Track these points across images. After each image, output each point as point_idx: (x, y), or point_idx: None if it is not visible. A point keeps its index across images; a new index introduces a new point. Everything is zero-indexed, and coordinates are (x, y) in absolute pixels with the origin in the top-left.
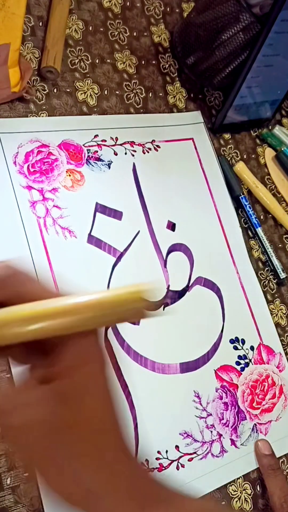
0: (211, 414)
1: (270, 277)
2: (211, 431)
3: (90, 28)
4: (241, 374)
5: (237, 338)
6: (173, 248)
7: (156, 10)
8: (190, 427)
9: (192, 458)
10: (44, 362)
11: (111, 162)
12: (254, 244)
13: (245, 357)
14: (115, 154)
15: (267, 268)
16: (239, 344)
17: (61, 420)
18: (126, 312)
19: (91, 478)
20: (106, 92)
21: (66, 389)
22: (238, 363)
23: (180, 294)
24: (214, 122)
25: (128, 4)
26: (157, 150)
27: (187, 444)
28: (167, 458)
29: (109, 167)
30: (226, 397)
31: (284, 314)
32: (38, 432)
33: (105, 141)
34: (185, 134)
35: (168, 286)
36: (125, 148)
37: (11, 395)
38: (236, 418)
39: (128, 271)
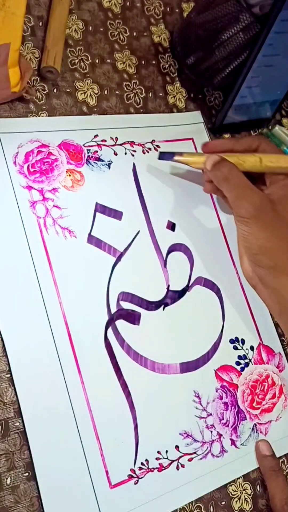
0: (211, 414)
1: None
2: (211, 431)
3: (90, 28)
4: (241, 374)
5: (237, 338)
6: (173, 248)
7: (156, 10)
8: (190, 427)
9: (192, 458)
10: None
11: (111, 162)
12: None
13: (245, 357)
14: (115, 154)
15: None
16: (239, 344)
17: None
18: None
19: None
20: (106, 92)
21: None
22: (238, 363)
23: (180, 294)
24: (214, 122)
25: (128, 4)
26: (157, 150)
27: (187, 444)
28: (167, 458)
29: (109, 167)
30: (226, 397)
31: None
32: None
33: (105, 141)
34: (185, 134)
35: (168, 286)
36: (125, 148)
37: (240, 186)
38: (236, 418)
39: (128, 271)
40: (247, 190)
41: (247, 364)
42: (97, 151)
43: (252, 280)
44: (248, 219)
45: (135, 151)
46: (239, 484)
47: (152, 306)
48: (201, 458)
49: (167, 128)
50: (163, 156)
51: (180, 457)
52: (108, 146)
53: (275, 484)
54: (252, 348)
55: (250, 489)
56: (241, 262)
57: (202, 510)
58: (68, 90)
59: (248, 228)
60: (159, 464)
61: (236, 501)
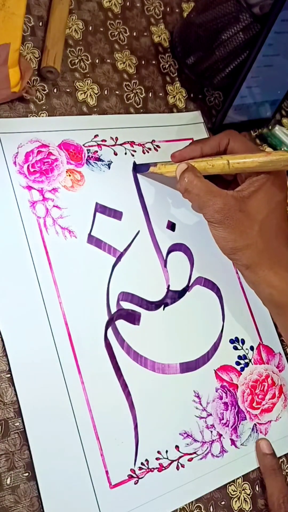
0: (211, 414)
1: None
2: (211, 431)
3: (90, 28)
4: (241, 374)
5: (237, 338)
6: (173, 248)
7: (156, 10)
8: (190, 427)
9: (192, 458)
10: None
11: (111, 162)
12: None
13: (245, 357)
14: (115, 154)
15: None
16: (239, 344)
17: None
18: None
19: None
20: (106, 92)
21: (248, 198)
22: (238, 363)
23: (180, 294)
24: (214, 122)
25: (128, 4)
26: (157, 150)
27: (187, 444)
28: (167, 458)
29: (109, 167)
30: (226, 397)
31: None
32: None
33: (105, 141)
34: (185, 134)
35: (168, 286)
36: (125, 148)
37: (202, 195)
38: (236, 418)
39: (128, 271)
40: (208, 196)
41: (247, 364)
42: (97, 151)
43: None
44: (214, 224)
45: (135, 151)
46: (239, 484)
47: (152, 306)
48: (201, 458)
49: (167, 128)
50: (139, 169)
51: (180, 457)
52: (108, 146)
53: (274, 483)
54: (252, 348)
55: (249, 489)
56: None
57: (202, 510)
58: (68, 90)
59: (217, 232)
60: (159, 464)
61: (236, 501)
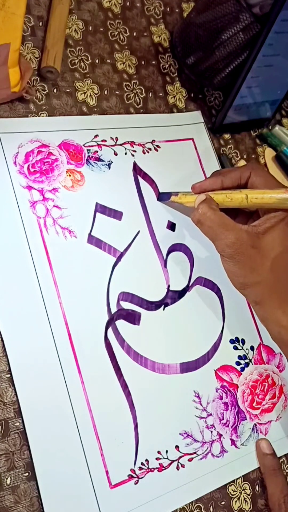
0: (211, 414)
1: None
2: (211, 431)
3: (90, 28)
4: (241, 374)
5: (237, 338)
6: (173, 248)
7: (156, 10)
8: (190, 427)
9: (192, 458)
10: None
11: (111, 162)
12: None
13: (245, 357)
14: (115, 154)
15: None
16: (239, 344)
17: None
18: None
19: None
20: (106, 92)
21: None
22: (238, 363)
23: (180, 294)
24: (214, 122)
25: (128, 4)
26: (157, 150)
27: (187, 444)
28: (167, 458)
29: (109, 167)
30: (226, 397)
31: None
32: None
33: (105, 141)
34: (185, 134)
35: (168, 286)
36: (125, 148)
37: (215, 227)
38: (236, 418)
39: (128, 271)
40: (221, 229)
41: (247, 364)
42: (97, 151)
43: None
44: (225, 258)
45: (135, 151)
46: (239, 484)
47: (152, 306)
48: (201, 458)
49: (167, 128)
50: (161, 197)
51: (180, 457)
52: (108, 146)
53: (274, 483)
54: (252, 348)
55: (250, 489)
56: None
57: (202, 510)
58: (68, 90)
59: (227, 265)
60: (159, 464)
61: (236, 501)
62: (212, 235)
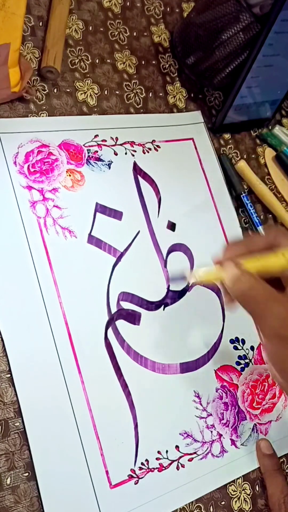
0: (211, 414)
1: None
2: (211, 431)
3: (90, 28)
4: (241, 374)
5: (237, 338)
6: (173, 248)
7: (156, 10)
8: (190, 427)
9: (192, 458)
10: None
11: (111, 162)
12: None
13: (245, 357)
14: (115, 154)
15: None
16: (239, 344)
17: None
18: None
19: None
20: (106, 92)
21: None
22: (238, 363)
23: (180, 294)
24: (214, 122)
25: (128, 4)
26: (157, 150)
27: (187, 444)
28: (167, 458)
29: (109, 167)
30: (226, 397)
31: None
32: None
33: (105, 141)
34: (185, 134)
35: (168, 286)
36: (125, 148)
37: (261, 301)
38: (236, 418)
39: (129, 271)
40: (269, 304)
41: (247, 364)
42: (97, 151)
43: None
44: (273, 338)
45: (135, 151)
46: (239, 484)
47: (152, 306)
48: (201, 458)
49: (167, 128)
50: (174, 280)
51: (180, 457)
52: (108, 146)
53: (274, 483)
54: (252, 348)
55: (250, 489)
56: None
57: (202, 510)
58: (68, 90)
59: (275, 347)
60: (159, 464)
61: (236, 501)
62: (259, 311)
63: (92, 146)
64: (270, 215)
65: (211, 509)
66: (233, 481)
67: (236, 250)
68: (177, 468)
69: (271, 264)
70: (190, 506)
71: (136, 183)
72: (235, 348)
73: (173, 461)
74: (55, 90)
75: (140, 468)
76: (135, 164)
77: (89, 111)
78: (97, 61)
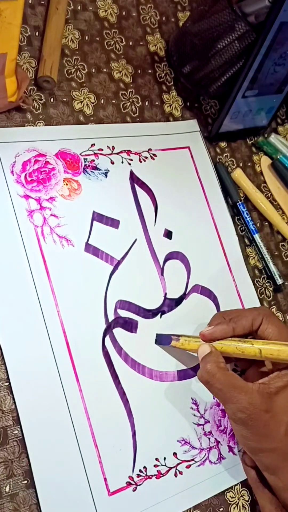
0: (208, 421)
1: (267, 284)
2: (209, 438)
3: (86, 38)
4: None
5: None
6: (170, 256)
7: (151, 20)
8: (188, 434)
9: (190, 465)
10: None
11: (108, 171)
12: (250, 252)
13: None
14: (112, 163)
15: (263, 276)
16: None
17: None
18: None
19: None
20: (102, 101)
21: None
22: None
23: (177, 302)
24: (210, 130)
25: (124, 13)
26: (153, 159)
27: (185, 451)
28: (165, 465)
29: (106, 176)
30: None
31: (281, 321)
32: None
33: (102, 150)
34: (182, 143)
35: (165, 294)
36: (122, 157)
37: (225, 391)
38: None
39: (126, 279)
40: (232, 393)
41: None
42: (94, 160)
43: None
44: (237, 423)
45: (131, 159)
46: (237, 491)
47: (149, 314)
48: (199, 465)
49: (164, 137)
50: (161, 340)
51: (178, 464)
52: (105, 155)
53: (263, 495)
54: None
55: (248, 495)
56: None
57: None
58: (64, 99)
59: (238, 429)
60: (157, 471)
61: (234, 508)
62: (222, 398)
63: (88, 155)
64: (266, 223)
65: None
66: (231, 487)
67: (224, 333)
68: (175, 475)
69: (247, 352)
70: None
71: (132, 192)
72: None
73: (171, 468)
74: (52, 100)
75: (138, 475)
76: (131, 173)
77: (86, 120)
78: (93, 70)
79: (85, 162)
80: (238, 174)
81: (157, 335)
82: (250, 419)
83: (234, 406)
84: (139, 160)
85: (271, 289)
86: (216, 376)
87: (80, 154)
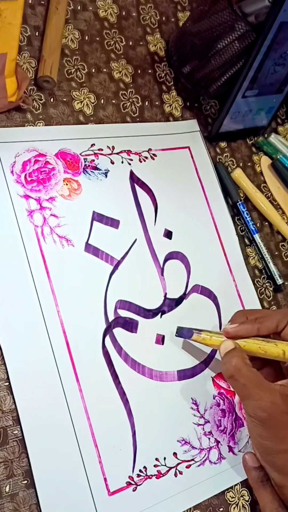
0: (208, 421)
1: (267, 284)
2: (209, 438)
3: (86, 38)
4: None
5: None
6: (170, 256)
7: (151, 20)
8: (188, 434)
9: (190, 465)
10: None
11: (108, 171)
12: (250, 252)
13: None
14: (112, 163)
15: (263, 276)
16: None
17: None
18: None
19: None
20: (102, 101)
21: None
22: None
23: (177, 301)
24: (210, 130)
25: (124, 13)
26: (153, 159)
27: (185, 451)
28: (165, 465)
29: (106, 176)
30: (224, 404)
31: None
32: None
33: (102, 150)
34: (182, 143)
35: (165, 294)
36: (122, 157)
37: (249, 387)
38: (234, 425)
39: (125, 279)
40: (255, 389)
41: None
42: (94, 160)
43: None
44: (255, 421)
45: (131, 159)
46: (237, 491)
47: (149, 314)
48: (199, 465)
49: (164, 137)
50: (181, 333)
51: (178, 464)
52: (104, 155)
53: (263, 496)
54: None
55: (248, 495)
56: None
57: None
58: (64, 99)
59: (255, 428)
60: (157, 471)
61: (234, 508)
62: (244, 393)
63: (88, 155)
64: (266, 223)
65: None
66: (231, 487)
67: (248, 332)
68: (175, 475)
69: (270, 352)
70: None
71: (132, 192)
72: None
73: (171, 468)
74: (52, 100)
75: (138, 475)
76: (131, 173)
77: (86, 120)
78: (93, 70)
79: (85, 162)
80: (238, 174)
81: (178, 327)
82: (270, 418)
83: (255, 403)
84: (139, 160)
85: (271, 289)
86: (242, 371)
87: (80, 154)
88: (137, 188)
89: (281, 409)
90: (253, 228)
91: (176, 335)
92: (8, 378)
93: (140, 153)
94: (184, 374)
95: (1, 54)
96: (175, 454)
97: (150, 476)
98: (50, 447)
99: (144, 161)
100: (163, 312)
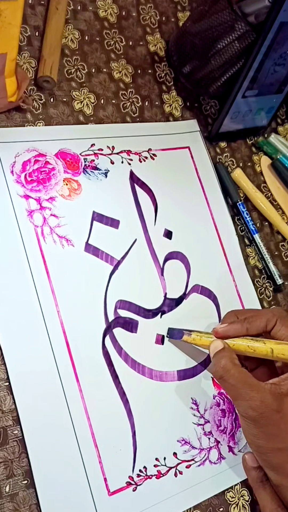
0: (208, 421)
1: (267, 284)
2: (209, 438)
3: (86, 38)
4: None
5: None
6: (170, 256)
7: (151, 20)
8: (188, 434)
9: (190, 465)
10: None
11: (108, 171)
12: (250, 252)
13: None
14: (112, 163)
15: (263, 276)
16: None
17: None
18: None
19: None
20: (102, 101)
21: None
22: None
23: (177, 302)
24: (210, 130)
25: (124, 13)
26: (153, 159)
27: (185, 451)
28: (165, 465)
29: (106, 176)
30: (224, 404)
31: None
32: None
33: (102, 150)
34: (182, 143)
35: (165, 294)
36: (122, 157)
37: (239, 387)
38: (234, 425)
39: (125, 279)
40: (245, 389)
41: None
42: (94, 160)
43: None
44: (248, 421)
45: (131, 159)
46: (237, 491)
47: (149, 314)
48: (199, 465)
49: (164, 137)
50: (172, 334)
51: (178, 464)
52: (104, 155)
53: (263, 496)
54: None
55: (248, 495)
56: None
57: None
58: (64, 99)
59: (248, 427)
60: (157, 471)
61: (234, 508)
62: (234, 394)
63: (88, 155)
64: (266, 223)
65: None
66: (231, 487)
67: (237, 331)
68: (175, 475)
69: (258, 350)
70: None
71: (132, 192)
72: None
73: (171, 468)
74: (52, 100)
75: (138, 475)
76: (131, 173)
77: (86, 120)
78: (93, 70)
79: (85, 162)
80: (238, 174)
81: (169, 329)
82: (261, 417)
83: (246, 403)
84: (139, 160)
85: (271, 289)
86: (231, 371)
87: (80, 154)
88: (137, 188)
89: (272, 407)
90: (253, 228)
91: (167, 337)
92: (8, 378)
93: (140, 153)
94: (184, 374)
95: (1, 54)
96: (175, 454)
97: (150, 476)
98: (50, 447)
99: (144, 161)
100: (163, 312)
